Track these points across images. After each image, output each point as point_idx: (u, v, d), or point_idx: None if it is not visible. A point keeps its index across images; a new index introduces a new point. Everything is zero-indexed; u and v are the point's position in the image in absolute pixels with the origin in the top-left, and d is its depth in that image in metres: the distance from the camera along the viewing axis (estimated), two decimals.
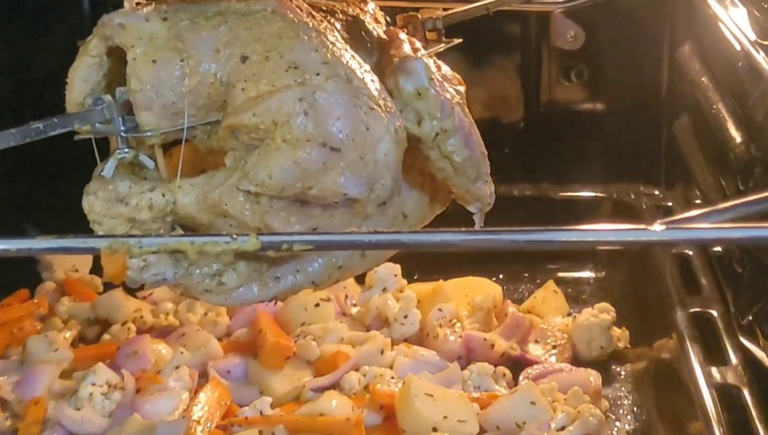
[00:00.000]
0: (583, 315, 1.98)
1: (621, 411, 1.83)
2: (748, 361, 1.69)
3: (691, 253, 2.03)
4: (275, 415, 1.72)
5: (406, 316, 1.94)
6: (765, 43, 1.68)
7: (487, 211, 1.40)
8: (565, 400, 1.76)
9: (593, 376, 1.83)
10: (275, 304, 1.92)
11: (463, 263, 2.12)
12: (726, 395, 1.64)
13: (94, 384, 1.75)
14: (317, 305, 1.95)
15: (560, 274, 2.20)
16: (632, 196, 2.34)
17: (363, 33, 1.34)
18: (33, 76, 2.15)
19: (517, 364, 1.89)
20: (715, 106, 1.91)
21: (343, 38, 1.28)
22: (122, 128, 1.20)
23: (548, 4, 2.19)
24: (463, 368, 1.84)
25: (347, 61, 1.24)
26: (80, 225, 1.20)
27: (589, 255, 2.24)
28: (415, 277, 2.10)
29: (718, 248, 1.93)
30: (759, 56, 1.65)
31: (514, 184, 2.35)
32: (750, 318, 1.71)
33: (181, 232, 1.24)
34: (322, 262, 1.31)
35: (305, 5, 1.28)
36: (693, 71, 2.10)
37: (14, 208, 2.11)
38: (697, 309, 1.87)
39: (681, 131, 2.20)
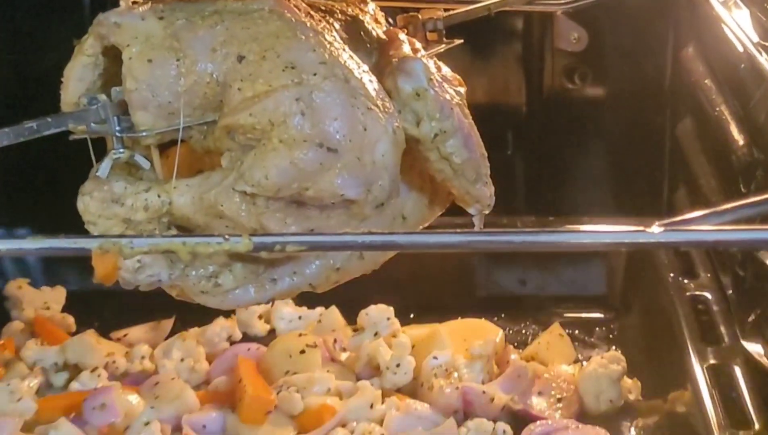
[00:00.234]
0: (591, 365, 1.85)
1: None
2: None
3: (710, 296, 1.91)
4: None
5: (398, 365, 1.81)
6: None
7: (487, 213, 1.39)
8: None
9: None
10: (257, 349, 1.88)
11: (463, 301, 2.07)
12: None
13: None
14: (302, 352, 1.84)
15: (567, 315, 2.10)
16: (635, 198, 2.32)
17: (362, 33, 1.33)
18: (33, 76, 2.14)
19: (518, 419, 1.77)
20: (717, 108, 1.90)
21: (341, 38, 1.27)
22: (117, 128, 1.19)
23: (551, 5, 2.16)
24: (459, 424, 1.72)
25: (345, 61, 1.23)
26: (76, 226, 1.19)
27: (599, 295, 2.15)
28: (411, 317, 2.02)
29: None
30: (761, 58, 1.64)
31: (515, 184, 2.34)
32: None
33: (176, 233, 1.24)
34: (320, 263, 1.30)
35: (303, 5, 1.27)
36: (696, 73, 2.09)
37: (9, 208, 2.10)
38: (713, 362, 1.74)
39: (684, 133, 2.19)
